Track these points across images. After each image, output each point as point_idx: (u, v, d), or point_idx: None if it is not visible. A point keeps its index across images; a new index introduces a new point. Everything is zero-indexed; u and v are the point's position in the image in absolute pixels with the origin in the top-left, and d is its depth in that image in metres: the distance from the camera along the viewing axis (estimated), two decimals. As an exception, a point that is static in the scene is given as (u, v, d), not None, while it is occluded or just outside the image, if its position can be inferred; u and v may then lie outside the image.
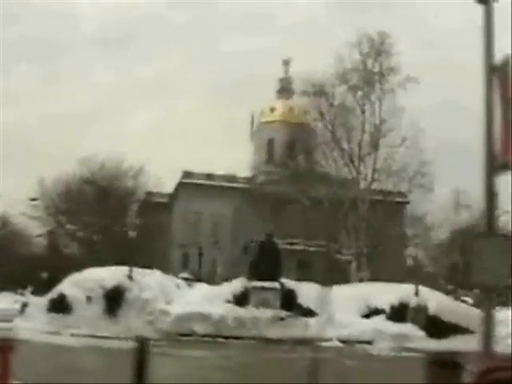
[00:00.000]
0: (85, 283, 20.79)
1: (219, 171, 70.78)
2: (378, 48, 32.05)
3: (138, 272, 22.51)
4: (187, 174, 67.97)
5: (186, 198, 67.44)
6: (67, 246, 60.94)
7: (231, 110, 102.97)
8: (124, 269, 21.67)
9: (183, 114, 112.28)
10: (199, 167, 68.45)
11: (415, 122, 31.33)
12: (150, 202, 66.14)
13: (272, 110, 73.15)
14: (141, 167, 62.65)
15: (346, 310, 23.88)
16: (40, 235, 54.71)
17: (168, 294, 22.50)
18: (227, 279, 36.63)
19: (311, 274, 41.04)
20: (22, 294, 25.64)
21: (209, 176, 68.75)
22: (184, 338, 20.35)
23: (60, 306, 20.53)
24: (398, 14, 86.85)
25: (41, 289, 26.13)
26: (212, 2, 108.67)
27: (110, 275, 21.19)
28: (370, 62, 32.12)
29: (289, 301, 23.93)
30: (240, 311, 21.45)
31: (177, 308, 20.99)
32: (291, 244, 66.00)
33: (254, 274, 24.83)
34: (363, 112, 32.88)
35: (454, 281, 46.45)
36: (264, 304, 23.46)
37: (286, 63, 74.28)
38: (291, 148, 73.59)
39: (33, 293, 26.00)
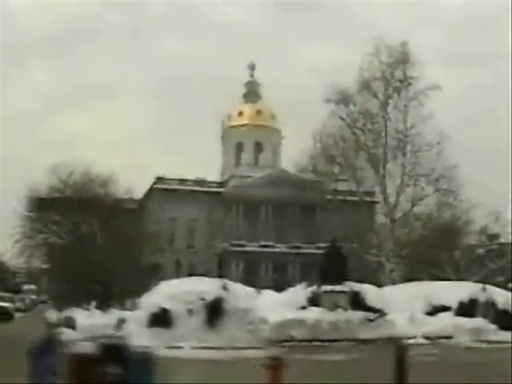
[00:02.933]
0: (184, 296, 21.05)
1: (183, 175, 70.79)
2: (401, 57, 33.88)
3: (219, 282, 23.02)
4: (159, 180, 67.70)
5: (159, 204, 67.09)
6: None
7: (175, 111, 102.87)
8: (213, 279, 22.13)
9: (126, 117, 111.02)
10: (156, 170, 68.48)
11: (441, 128, 33.35)
12: (120, 209, 65.24)
13: (240, 113, 74.10)
14: (110, 174, 61.98)
15: (410, 308, 25.37)
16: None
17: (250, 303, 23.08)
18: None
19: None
20: (88, 309, 25.42)
21: (181, 181, 68.74)
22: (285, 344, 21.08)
23: (162, 320, 20.74)
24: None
25: (103, 303, 26.12)
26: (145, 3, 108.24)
27: (206, 287, 21.62)
28: (395, 70, 33.89)
29: (358, 302, 25.07)
30: (331, 315, 22.42)
31: (273, 315, 21.70)
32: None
33: (322, 279, 25.83)
34: (388, 118, 34.58)
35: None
36: (336, 307, 24.47)
37: (252, 67, 75.49)
38: (260, 151, 75.25)
39: (97, 307, 25.87)
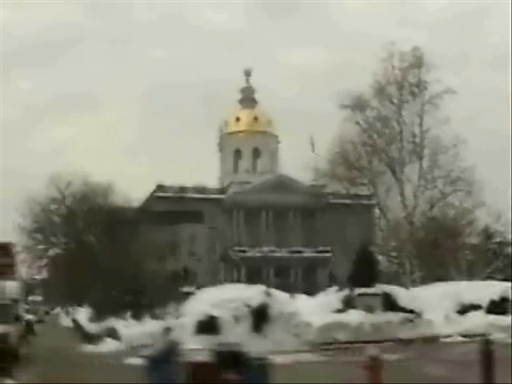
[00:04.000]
0: (229, 303, 21.43)
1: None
2: (415, 62, 34.62)
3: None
4: (159, 188, 67.75)
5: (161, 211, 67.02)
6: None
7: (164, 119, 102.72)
8: (255, 286, 22.55)
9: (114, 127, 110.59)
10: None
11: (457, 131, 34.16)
12: (121, 218, 65.13)
13: (237, 119, 74.55)
14: (109, 183, 61.94)
15: (441, 308, 25.98)
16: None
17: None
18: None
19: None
20: (125, 319, 25.56)
21: (181, 188, 68.82)
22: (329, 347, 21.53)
23: (210, 327, 21.03)
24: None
25: (138, 313, 26.32)
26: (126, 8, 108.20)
27: (250, 293, 22.00)
28: (409, 74, 34.65)
29: (390, 304, 25.57)
30: (371, 316, 22.92)
31: (316, 319, 22.14)
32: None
33: (353, 282, 26.31)
34: (403, 122, 35.22)
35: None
36: (369, 309, 24.95)
37: (247, 73, 75.99)
38: (258, 157, 75.89)
39: (132, 317, 26.03)
